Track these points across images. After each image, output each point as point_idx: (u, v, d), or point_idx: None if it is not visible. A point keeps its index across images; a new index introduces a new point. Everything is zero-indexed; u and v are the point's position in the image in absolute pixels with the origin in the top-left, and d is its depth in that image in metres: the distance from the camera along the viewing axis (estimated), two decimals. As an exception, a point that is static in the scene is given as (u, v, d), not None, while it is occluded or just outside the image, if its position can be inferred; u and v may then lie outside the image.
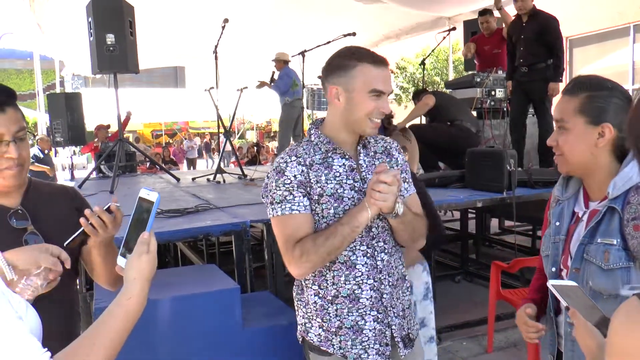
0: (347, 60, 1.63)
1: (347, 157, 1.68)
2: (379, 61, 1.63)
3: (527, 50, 5.18)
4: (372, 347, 1.67)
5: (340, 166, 1.67)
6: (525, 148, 5.48)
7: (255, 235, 5.00)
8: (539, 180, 4.31)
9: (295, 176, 1.62)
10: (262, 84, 7.76)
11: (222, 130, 6.65)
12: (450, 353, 3.75)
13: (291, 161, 1.64)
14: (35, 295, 1.26)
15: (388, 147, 1.79)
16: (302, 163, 1.63)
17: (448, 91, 7.10)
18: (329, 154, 1.67)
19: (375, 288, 1.67)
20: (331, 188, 1.63)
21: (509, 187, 4.02)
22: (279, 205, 1.62)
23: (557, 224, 1.56)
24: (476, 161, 4.31)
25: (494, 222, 6.89)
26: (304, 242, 1.58)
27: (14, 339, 0.92)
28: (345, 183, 1.65)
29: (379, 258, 1.69)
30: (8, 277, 1.25)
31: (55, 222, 1.56)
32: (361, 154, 1.72)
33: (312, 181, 1.63)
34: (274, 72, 7.89)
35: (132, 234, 1.17)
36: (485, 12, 6.41)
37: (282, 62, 7.82)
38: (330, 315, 1.66)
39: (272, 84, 7.78)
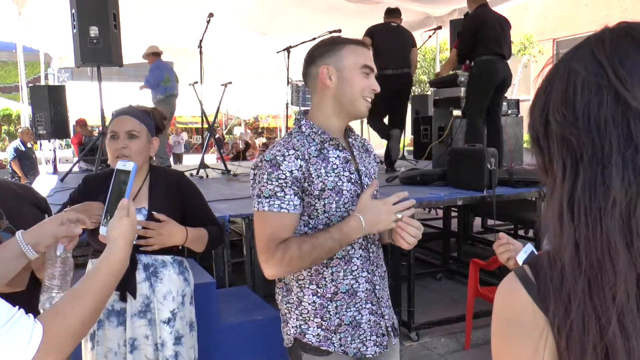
0: (332, 45, 1.65)
1: (341, 148, 1.64)
2: (362, 43, 1.69)
3: None
4: (370, 339, 1.65)
5: (335, 158, 1.61)
6: (508, 148, 5.52)
7: (236, 230, 4.99)
8: (520, 180, 4.33)
9: (291, 172, 1.52)
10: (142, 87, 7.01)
11: (206, 125, 6.63)
12: (427, 349, 3.78)
13: (289, 154, 1.54)
14: (69, 266, 1.33)
15: (365, 144, 1.80)
16: (301, 157, 1.54)
17: (430, 90, 7.08)
18: (325, 145, 1.61)
19: (369, 280, 1.66)
20: (331, 181, 1.58)
21: (490, 185, 4.05)
22: (267, 200, 1.52)
23: None
24: (457, 160, 4.34)
25: (477, 221, 6.94)
26: (289, 245, 1.50)
27: None
28: (343, 175, 1.61)
29: (371, 250, 1.68)
30: (31, 257, 1.29)
31: (25, 217, 1.54)
32: (354, 146, 1.71)
33: (313, 176, 1.55)
34: None
35: (112, 204, 1.26)
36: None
37: (151, 56, 7.22)
38: (331, 313, 1.61)
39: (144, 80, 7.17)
